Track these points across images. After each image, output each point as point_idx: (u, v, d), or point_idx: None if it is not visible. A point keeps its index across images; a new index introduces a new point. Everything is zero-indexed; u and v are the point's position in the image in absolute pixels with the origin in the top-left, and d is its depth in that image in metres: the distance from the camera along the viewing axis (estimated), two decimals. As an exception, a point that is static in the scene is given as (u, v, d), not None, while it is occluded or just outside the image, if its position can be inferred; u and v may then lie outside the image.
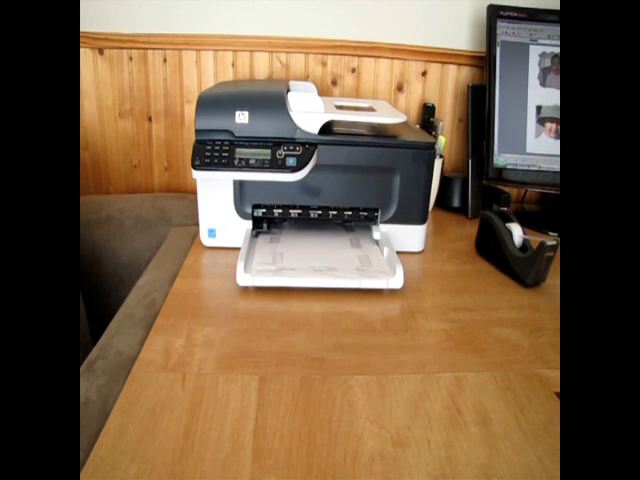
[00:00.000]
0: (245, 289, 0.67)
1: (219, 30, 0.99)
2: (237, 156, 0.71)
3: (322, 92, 1.03)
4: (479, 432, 0.44)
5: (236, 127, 0.72)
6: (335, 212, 0.79)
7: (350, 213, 0.79)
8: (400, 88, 1.07)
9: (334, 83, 1.06)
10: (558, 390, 0.50)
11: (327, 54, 1.03)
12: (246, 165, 0.70)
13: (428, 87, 1.08)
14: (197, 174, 0.71)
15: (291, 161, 0.71)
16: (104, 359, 0.55)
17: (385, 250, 0.74)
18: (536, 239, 0.70)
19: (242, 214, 0.77)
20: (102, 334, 0.60)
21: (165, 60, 1.00)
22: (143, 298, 0.67)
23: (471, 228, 0.93)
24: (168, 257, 0.80)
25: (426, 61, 1.06)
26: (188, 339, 0.56)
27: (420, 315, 0.63)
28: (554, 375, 0.53)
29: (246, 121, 0.72)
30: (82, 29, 0.96)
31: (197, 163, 0.70)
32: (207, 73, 1.02)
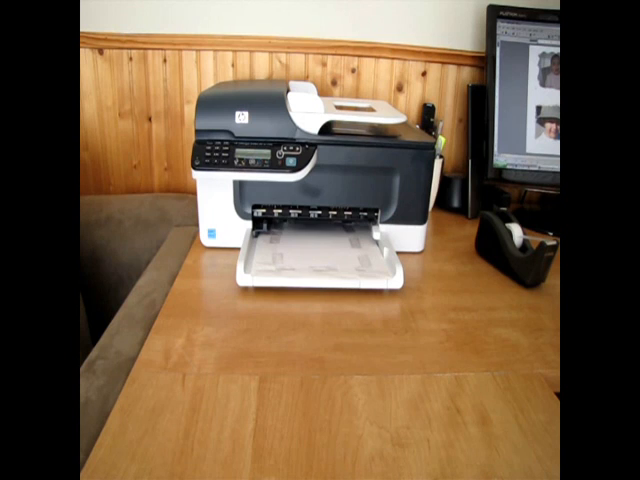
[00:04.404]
0: (245, 289, 0.67)
1: (219, 30, 0.99)
2: (237, 156, 0.71)
3: (322, 92, 1.03)
4: (479, 432, 0.44)
5: (236, 127, 0.72)
6: (335, 212, 0.79)
7: (350, 213, 0.79)
8: (400, 88, 1.07)
9: (334, 83, 1.06)
10: (558, 390, 0.50)
11: (327, 54, 1.03)
12: (246, 165, 0.70)
13: (428, 87, 1.08)
14: (197, 174, 0.71)
15: (291, 161, 0.71)
16: (104, 359, 0.55)
17: (385, 250, 0.74)
18: (536, 239, 0.70)
19: (242, 214, 0.77)
20: (102, 334, 0.60)
21: (165, 60, 1.00)
22: (143, 298, 0.67)
23: (471, 228, 0.93)
24: (168, 257, 0.80)
25: (426, 61, 1.06)
26: (188, 339, 0.56)
27: (420, 315, 0.63)
28: (554, 375, 0.53)
29: (246, 121, 0.72)
30: (82, 29, 0.96)
31: (197, 163, 0.70)
32: (207, 73, 1.02)
